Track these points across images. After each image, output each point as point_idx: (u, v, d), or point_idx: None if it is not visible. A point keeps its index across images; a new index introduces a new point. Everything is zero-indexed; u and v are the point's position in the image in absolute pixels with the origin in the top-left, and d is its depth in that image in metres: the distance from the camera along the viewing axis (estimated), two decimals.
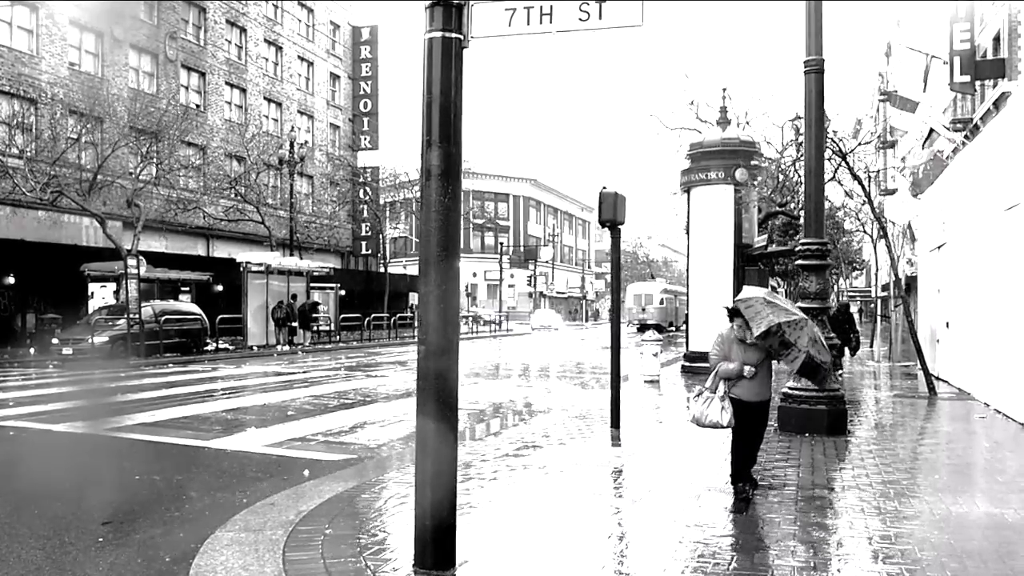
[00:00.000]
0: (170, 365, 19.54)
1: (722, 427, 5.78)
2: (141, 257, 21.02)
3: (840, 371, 16.61)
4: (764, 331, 5.51)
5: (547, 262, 75.48)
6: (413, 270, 60.67)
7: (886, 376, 16.73)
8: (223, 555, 4.70)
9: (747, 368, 5.74)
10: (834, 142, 13.38)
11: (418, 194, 42.18)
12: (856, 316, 28.16)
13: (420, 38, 4.54)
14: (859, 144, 23.63)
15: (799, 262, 9.16)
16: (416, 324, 35.70)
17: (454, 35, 4.40)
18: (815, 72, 8.98)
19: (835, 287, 48.62)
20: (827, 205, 32.31)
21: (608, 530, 5.18)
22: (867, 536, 4.97)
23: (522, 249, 72.15)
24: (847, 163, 13.36)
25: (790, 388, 8.98)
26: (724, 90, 17.85)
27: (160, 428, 9.75)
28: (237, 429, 9.72)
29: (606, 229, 9.52)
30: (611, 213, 9.18)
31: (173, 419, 10.46)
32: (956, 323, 13.54)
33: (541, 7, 4.39)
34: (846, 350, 17.05)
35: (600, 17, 4.29)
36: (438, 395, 4.39)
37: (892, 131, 39.86)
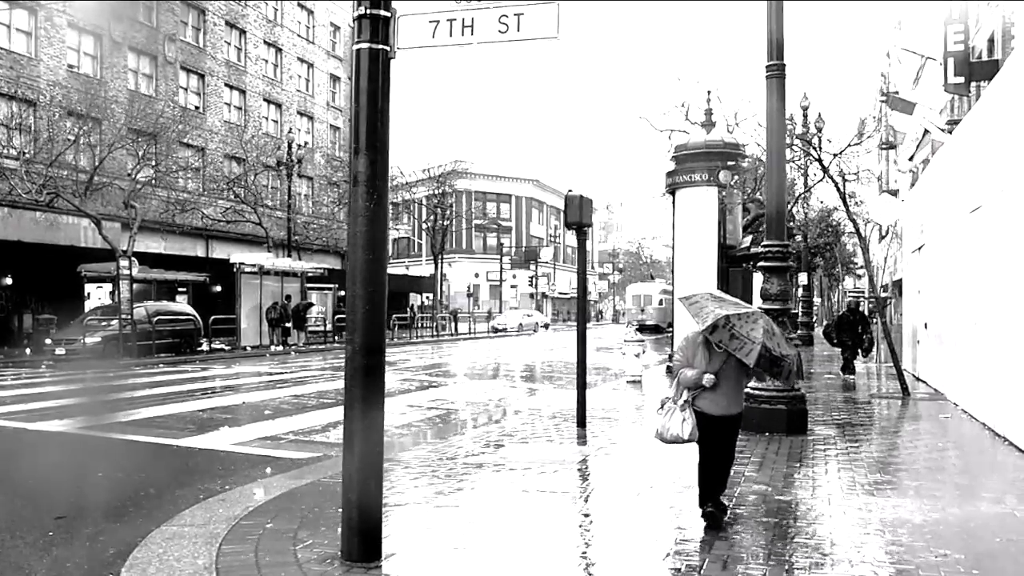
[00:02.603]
0: (160, 365, 19.77)
1: (683, 441, 5.23)
2: (133, 258, 21.25)
3: (852, 375, 16.04)
4: (711, 324, 5.09)
5: (548, 262, 75.61)
6: (415, 271, 60.93)
7: (870, 377, 16.79)
8: (161, 548, 4.86)
9: (707, 376, 5.14)
10: (809, 143, 13.51)
11: (417, 194, 42.02)
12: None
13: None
14: (849, 146, 23.78)
15: (761, 264, 9.29)
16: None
17: (381, 47, 4.56)
18: (776, 77, 9.10)
19: (837, 288, 48.69)
20: (821, 206, 32.43)
21: (544, 525, 5.32)
22: (792, 531, 5.11)
23: (523, 250, 72.28)
24: (821, 164, 13.48)
25: (751, 388, 9.09)
26: (709, 92, 17.96)
27: (135, 427, 9.94)
28: (210, 428, 9.90)
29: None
30: (577, 215, 9.34)
31: (149, 418, 10.65)
32: (932, 324, 13.65)
33: (463, 19, 4.55)
34: (859, 352, 16.60)
35: (518, 29, 4.44)
36: (365, 393, 4.55)
37: (891, 132, 39.87)
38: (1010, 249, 8.14)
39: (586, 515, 5.61)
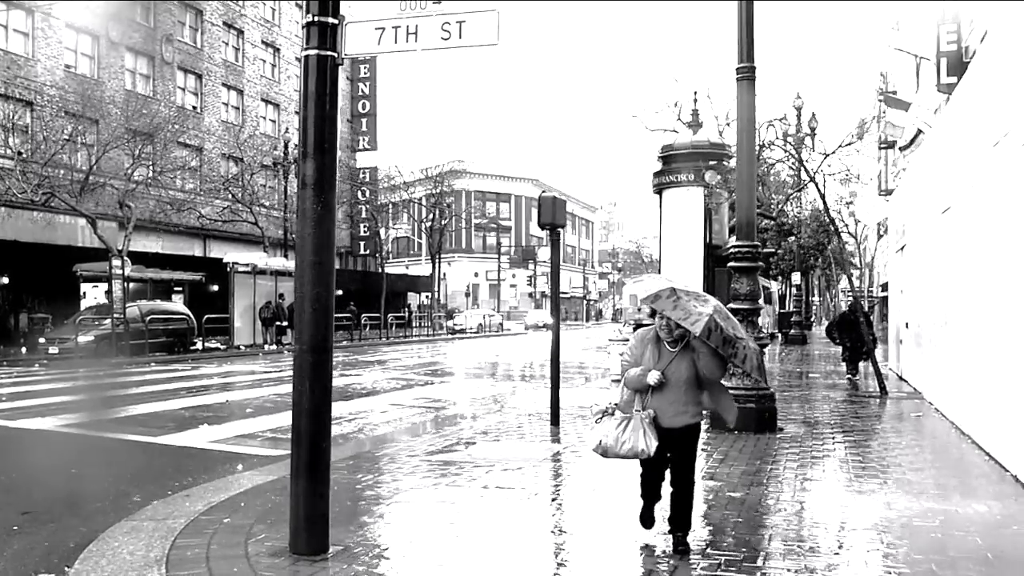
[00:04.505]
0: (152, 364, 19.94)
1: (646, 455, 4.56)
2: (127, 258, 21.41)
3: (856, 374, 15.19)
4: (654, 294, 4.56)
5: (546, 261, 75.69)
6: (415, 270, 61.09)
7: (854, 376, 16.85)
8: (118, 541, 4.99)
9: (652, 373, 4.53)
10: (797, 147, 13.62)
11: (415, 194, 42.38)
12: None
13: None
14: (840, 147, 23.84)
15: (731, 264, 9.40)
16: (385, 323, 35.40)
17: (328, 53, 4.68)
18: (747, 79, 9.19)
19: (835, 288, 48.83)
20: (814, 205, 32.47)
21: (499, 521, 5.43)
22: (740, 526, 5.22)
23: (522, 249, 72.44)
24: (806, 170, 13.61)
25: None
26: (696, 93, 18.09)
27: (116, 424, 10.09)
28: (190, 426, 10.04)
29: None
30: (550, 216, 9.46)
31: (132, 416, 10.81)
32: (912, 324, 13.75)
33: (407, 26, 4.67)
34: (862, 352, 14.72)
35: (460, 36, 4.56)
36: (312, 391, 4.67)
37: (889, 128, 39.89)
38: (976, 250, 8.23)
39: (542, 512, 5.73)
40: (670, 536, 4.78)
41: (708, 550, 4.72)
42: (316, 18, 4.64)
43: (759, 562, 4.49)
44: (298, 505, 4.65)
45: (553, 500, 6.04)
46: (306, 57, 4.69)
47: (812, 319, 48.32)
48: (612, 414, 4.71)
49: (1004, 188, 6.87)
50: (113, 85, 32.23)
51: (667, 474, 4.78)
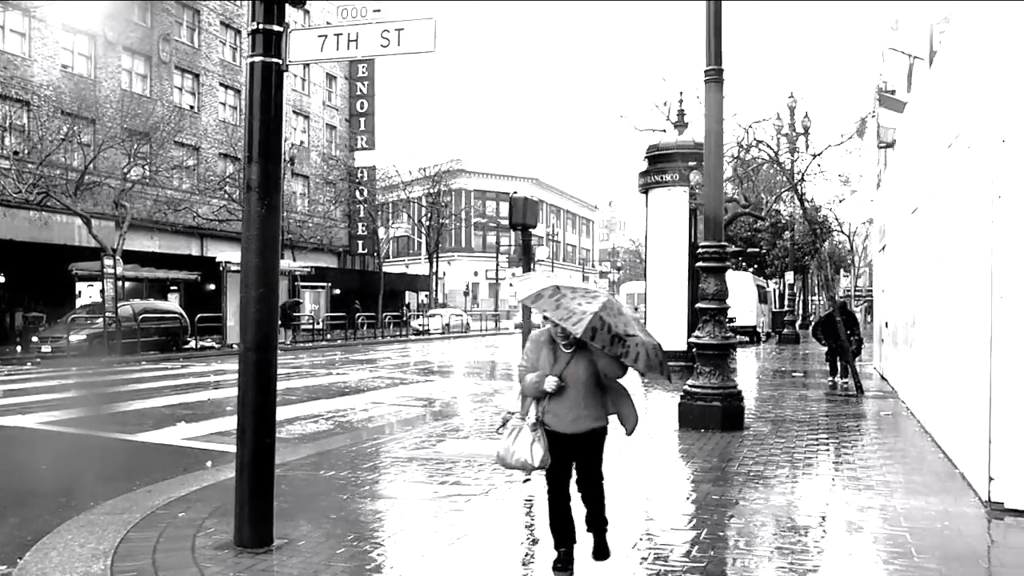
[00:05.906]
0: (143, 363, 20.11)
1: (532, 468, 4.26)
2: (119, 257, 21.58)
3: (844, 379, 14.32)
4: (536, 294, 4.24)
5: (545, 260, 75.78)
6: (415, 269, 61.25)
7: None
8: (71, 534, 5.13)
9: (548, 379, 4.20)
10: (771, 148, 13.75)
11: (414, 194, 42.55)
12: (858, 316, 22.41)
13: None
14: (829, 147, 23.94)
15: (699, 264, 9.50)
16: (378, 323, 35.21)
17: (273, 60, 4.82)
18: (714, 81, 9.30)
19: (835, 287, 48.94)
20: (808, 206, 32.63)
21: (443, 518, 5.57)
22: (685, 522, 5.34)
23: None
24: (788, 176, 13.71)
25: (690, 386, 9.33)
26: (681, 93, 18.18)
27: (94, 422, 10.27)
28: (167, 423, 10.18)
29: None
30: (521, 217, 9.61)
31: (112, 414, 10.96)
32: (891, 323, 13.86)
33: (348, 34, 4.81)
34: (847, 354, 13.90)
35: (399, 44, 4.69)
36: (257, 387, 4.80)
37: (864, 129, 39.95)
38: (936, 251, 8.33)
39: (490, 509, 5.85)
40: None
41: (640, 544, 4.84)
42: (261, 26, 4.78)
43: (693, 554, 4.61)
44: (243, 499, 4.78)
45: (503, 498, 6.17)
46: (251, 64, 4.83)
47: (810, 318, 48.34)
48: (506, 425, 4.39)
49: (956, 190, 6.98)
50: (110, 85, 32.42)
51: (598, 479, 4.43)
